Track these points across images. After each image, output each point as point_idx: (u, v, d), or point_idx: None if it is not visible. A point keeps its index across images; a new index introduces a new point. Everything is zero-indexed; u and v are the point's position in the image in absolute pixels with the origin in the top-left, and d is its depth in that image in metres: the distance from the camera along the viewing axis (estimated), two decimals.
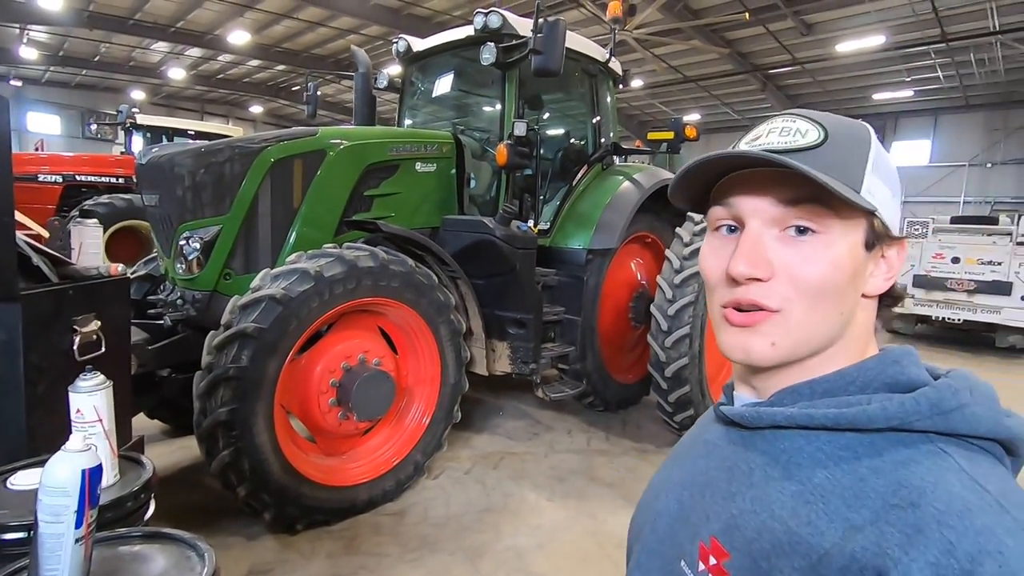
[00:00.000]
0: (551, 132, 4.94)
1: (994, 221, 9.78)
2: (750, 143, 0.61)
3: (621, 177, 4.33)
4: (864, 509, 0.49)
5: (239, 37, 14.98)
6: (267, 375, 2.52)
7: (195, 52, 17.06)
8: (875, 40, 12.29)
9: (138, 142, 9.79)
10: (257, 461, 2.52)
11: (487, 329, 3.62)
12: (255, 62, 17.84)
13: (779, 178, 0.56)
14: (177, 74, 18.80)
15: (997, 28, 11.18)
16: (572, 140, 4.75)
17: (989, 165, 16.44)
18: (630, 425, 4.57)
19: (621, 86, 4.82)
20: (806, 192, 0.55)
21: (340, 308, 2.76)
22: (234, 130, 12.74)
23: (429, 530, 2.90)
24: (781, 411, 0.58)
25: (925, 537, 0.44)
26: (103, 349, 1.34)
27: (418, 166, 3.68)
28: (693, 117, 19.40)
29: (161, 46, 16.67)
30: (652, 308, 3.91)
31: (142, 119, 10.04)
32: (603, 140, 4.52)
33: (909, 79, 15.04)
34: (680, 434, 4.13)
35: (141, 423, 3.52)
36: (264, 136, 3.19)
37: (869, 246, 0.58)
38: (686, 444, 0.77)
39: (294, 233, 3.16)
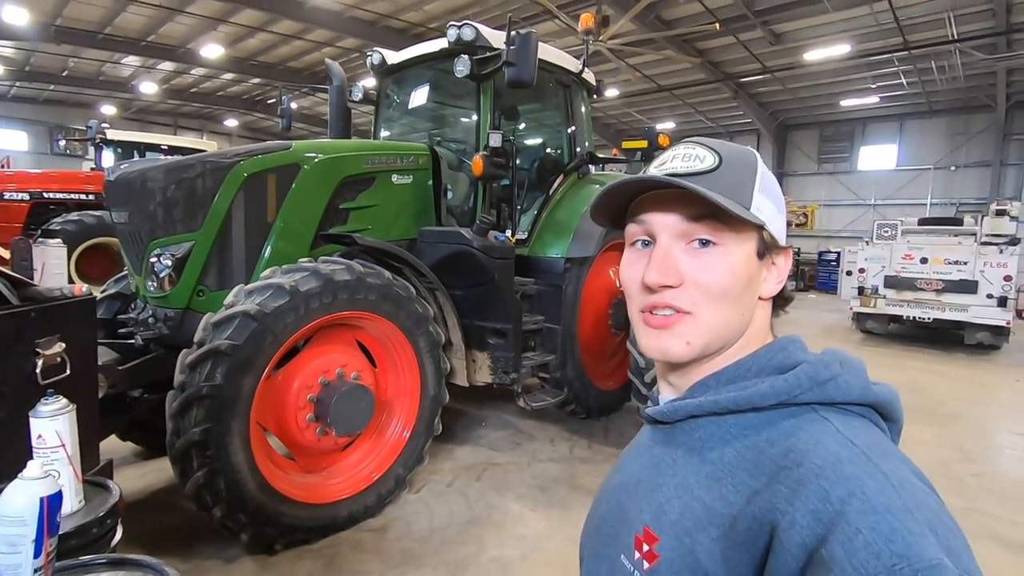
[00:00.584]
0: (527, 142, 4.98)
1: (959, 222, 10.09)
2: (658, 168, 0.69)
3: (597, 186, 4.38)
4: (762, 475, 0.56)
5: (212, 51, 14.83)
6: (242, 393, 2.48)
7: (167, 66, 16.83)
8: (841, 49, 12.66)
9: (109, 158, 9.61)
10: (233, 481, 2.47)
11: (466, 340, 3.61)
12: (229, 75, 17.67)
13: (683, 198, 0.65)
14: (149, 88, 18.52)
15: (955, 36, 11.60)
16: (548, 150, 4.80)
17: (953, 168, 16.95)
18: (612, 432, 4.58)
19: (595, 96, 4.88)
20: (706, 210, 0.64)
21: (317, 323, 2.73)
22: (209, 144, 12.59)
23: (412, 545, 2.87)
24: (692, 402, 0.66)
25: (806, 489, 0.51)
26: (68, 372, 1.31)
27: (394, 178, 3.67)
28: (668, 125, 19.70)
29: (132, 60, 16.42)
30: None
31: (112, 134, 9.87)
32: (578, 149, 4.56)
33: (875, 86, 15.49)
34: None
35: (113, 445, 3.44)
36: (237, 151, 3.16)
37: (760, 255, 0.67)
38: (625, 452, 0.84)
39: (269, 248, 3.12)
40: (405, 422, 3.22)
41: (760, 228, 0.66)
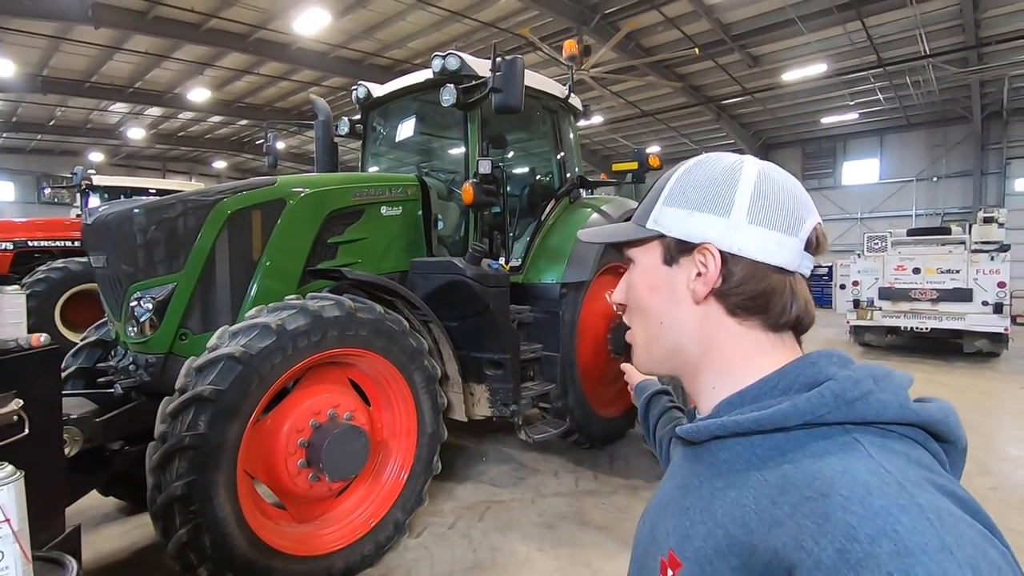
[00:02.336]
0: (517, 169, 4.95)
1: (947, 231, 10.16)
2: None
3: (589, 209, 4.33)
4: (785, 504, 0.51)
5: (199, 94, 14.96)
6: (227, 441, 2.33)
7: (154, 111, 16.96)
8: (818, 68, 12.95)
9: (95, 204, 9.53)
10: (219, 536, 2.30)
11: (463, 372, 3.48)
12: (217, 118, 17.81)
13: None
14: (137, 134, 18.61)
15: (927, 52, 11.90)
16: (538, 176, 4.76)
17: (935, 179, 17.23)
18: (618, 461, 4.43)
19: (582, 119, 4.88)
20: (619, 244, 0.76)
21: (306, 362, 2.61)
22: (197, 186, 12.57)
23: None
24: (715, 422, 0.63)
25: (832, 524, 0.46)
26: (26, 431, 1.19)
27: (383, 210, 3.60)
28: (654, 149, 19.97)
29: (119, 107, 16.54)
30: (629, 338, 3.84)
31: (98, 180, 9.81)
32: (568, 174, 4.53)
33: (853, 103, 15.83)
34: None
35: (96, 502, 3.26)
36: (219, 188, 3.08)
37: (669, 261, 0.69)
38: (665, 471, 0.82)
39: (255, 286, 3.01)
40: (402, 463, 3.06)
41: (661, 237, 0.70)
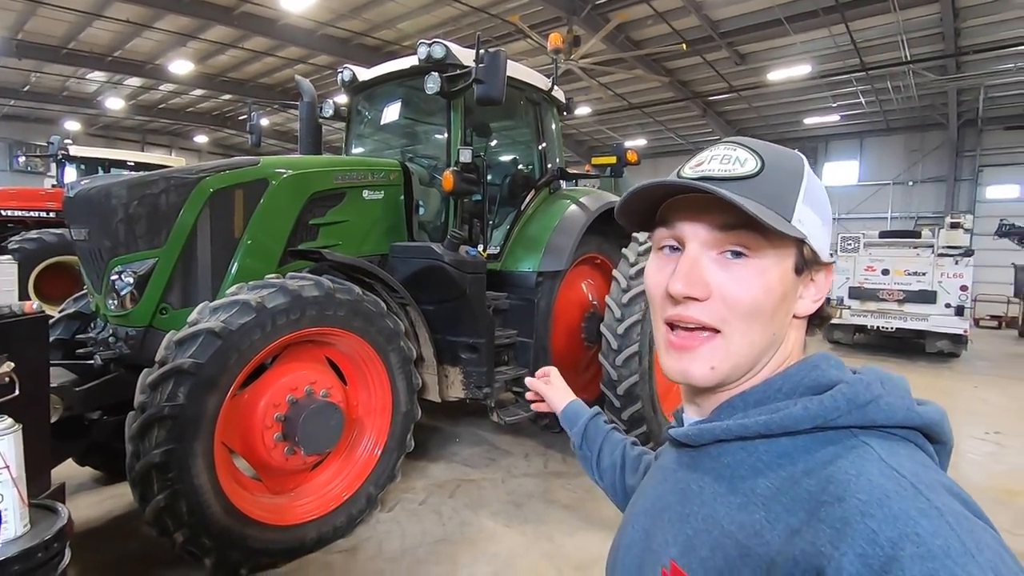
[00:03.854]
0: (498, 158, 5.02)
1: (917, 235, 10.48)
2: (693, 168, 0.64)
3: (568, 200, 4.44)
4: (800, 511, 0.51)
5: (181, 66, 14.65)
6: (206, 412, 2.41)
7: (134, 81, 16.56)
8: (803, 69, 13.14)
9: (71, 175, 9.36)
10: (196, 504, 2.39)
11: (439, 355, 3.59)
12: (199, 91, 17.45)
13: (717, 204, 0.58)
14: (115, 104, 18.16)
15: (908, 58, 12.15)
16: (519, 166, 4.84)
17: (911, 183, 17.65)
18: None
19: (566, 113, 4.96)
20: (740, 219, 0.58)
21: (284, 339, 2.69)
22: (177, 161, 12.37)
23: (383, 566, 2.81)
24: (719, 425, 0.61)
25: (852, 529, 0.46)
26: (17, 392, 1.26)
27: (365, 194, 3.67)
28: (639, 142, 20.10)
29: (97, 75, 16.12)
30: (602, 327, 3.98)
31: (75, 150, 9.63)
32: (549, 165, 4.62)
33: (835, 105, 16.10)
34: None
35: (71, 471, 3.31)
36: (203, 166, 3.12)
37: (799, 271, 0.62)
38: (648, 475, 0.79)
39: (236, 264, 3.07)
40: (376, 439, 3.17)
41: (800, 242, 0.61)
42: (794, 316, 0.63)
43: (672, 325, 0.63)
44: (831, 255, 0.64)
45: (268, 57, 14.51)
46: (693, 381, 0.62)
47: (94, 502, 3.30)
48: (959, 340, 8.80)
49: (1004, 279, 13.91)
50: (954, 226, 9.22)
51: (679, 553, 0.59)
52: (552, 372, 1.27)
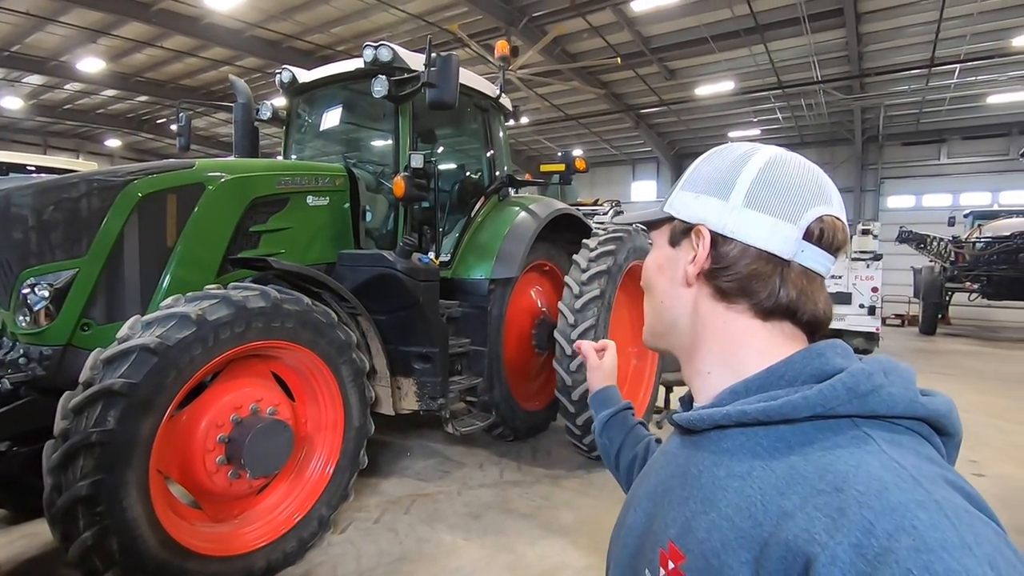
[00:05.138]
0: (447, 165, 4.96)
1: None
2: None
3: (518, 208, 4.44)
4: (794, 495, 0.51)
5: (91, 64, 13.61)
6: (140, 437, 2.19)
7: (35, 79, 15.20)
8: (726, 86, 13.95)
9: None
10: (129, 539, 2.16)
11: (391, 366, 3.46)
12: (111, 92, 16.25)
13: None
14: (12, 103, 16.60)
15: (819, 78, 13.16)
16: (468, 173, 4.80)
17: None
18: (540, 452, 4.57)
19: (513, 120, 4.98)
20: (644, 225, 0.80)
21: (227, 355, 2.50)
22: (87, 165, 11.40)
23: None
24: (719, 410, 0.62)
25: (848, 519, 0.46)
26: None
27: (310, 199, 3.50)
28: (576, 152, 20.54)
29: None
30: (555, 333, 3.99)
31: None
32: (498, 172, 4.61)
33: (756, 120, 17.18)
34: (589, 456, 4.22)
35: None
36: (130, 169, 2.86)
37: (673, 242, 0.72)
38: (652, 459, 0.80)
39: (168, 275, 2.84)
40: (328, 457, 3.01)
41: (670, 219, 0.73)
42: (688, 285, 0.69)
43: None
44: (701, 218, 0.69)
45: (190, 57, 13.74)
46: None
47: (1, 545, 2.93)
48: (872, 338, 9.53)
49: (905, 281, 15.24)
50: (865, 232, 10.00)
51: (677, 534, 0.60)
52: (609, 347, 1.25)
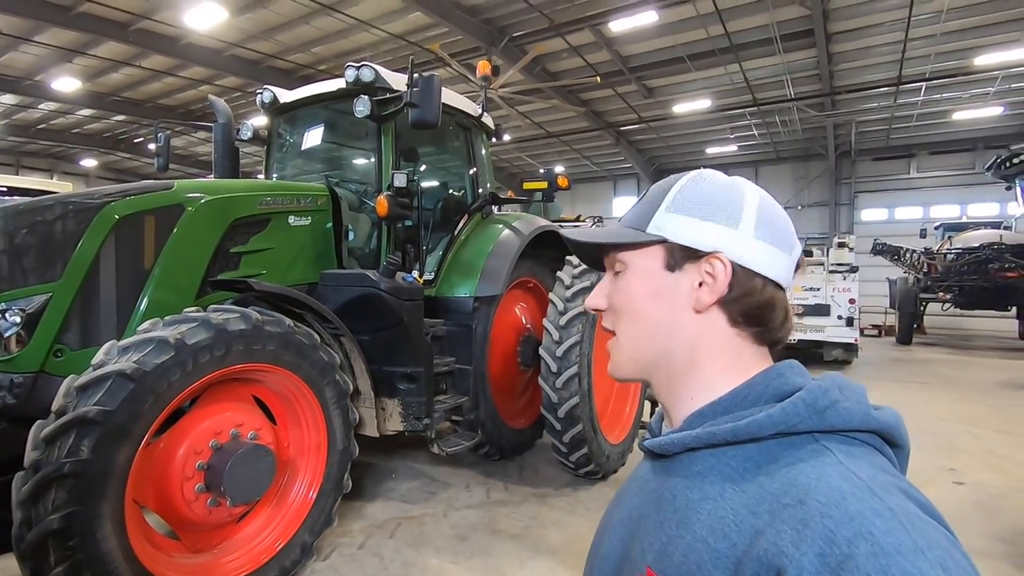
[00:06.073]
0: (430, 183, 4.97)
1: (809, 254, 11.52)
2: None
3: (501, 225, 4.45)
4: (764, 513, 0.53)
5: (66, 84, 13.44)
6: (115, 467, 2.12)
7: (8, 99, 14.95)
8: (703, 103, 14.26)
9: None
10: (103, 573, 2.08)
11: (375, 387, 3.42)
12: (87, 111, 16.05)
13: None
14: None
15: (793, 96, 13.52)
16: (451, 191, 4.81)
17: (799, 208, 19.46)
18: (527, 471, 4.53)
19: (495, 140, 5.01)
20: (611, 247, 0.74)
21: (207, 379, 2.45)
22: (62, 186, 11.21)
23: None
24: (689, 434, 0.64)
25: (811, 530, 0.48)
26: None
27: (291, 220, 3.48)
28: (558, 169, 20.75)
29: None
30: (541, 351, 3.99)
31: None
32: (481, 190, 4.63)
33: (733, 136, 17.56)
34: (577, 474, 4.20)
35: None
36: (107, 191, 2.82)
37: (672, 267, 0.69)
38: (624, 486, 0.80)
39: (146, 299, 2.79)
40: (311, 482, 2.94)
41: (663, 242, 0.69)
42: (696, 311, 0.67)
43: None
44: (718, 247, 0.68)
45: (168, 77, 13.65)
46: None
47: None
48: (851, 348, 9.69)
49: (880, 292, 15.58)
50: (841, 245, 10.22)
51: (654, 559, 0.61)
52: None
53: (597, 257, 0.78)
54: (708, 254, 0.67)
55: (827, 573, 0.46)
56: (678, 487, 0.63)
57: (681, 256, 0.68)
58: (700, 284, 0.67)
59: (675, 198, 0.70)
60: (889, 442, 0.60)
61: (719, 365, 0.68)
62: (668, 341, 0.68)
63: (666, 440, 0.66)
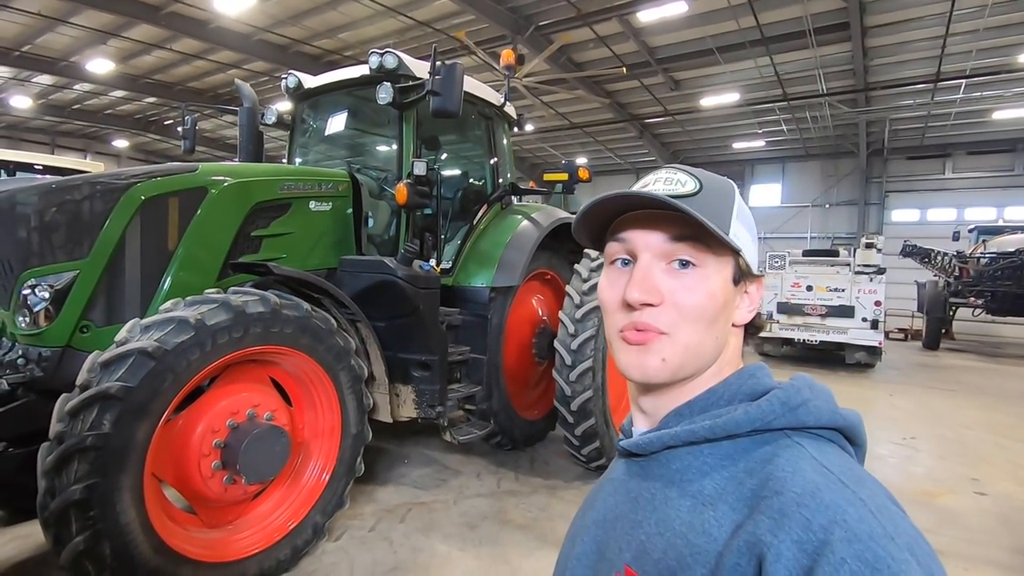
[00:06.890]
0: (450, 172, 4.97)
1: (836, 254, 11.27)
2: (640, 189, 0.69)
3: (520, 216, 4.43)
4: (744, 507, 0.56)
5: (100, 65, 13.71)
6: (135, 442, 2.19)
7: (45, 79, 15.32)
8: (731, 97, 13.96)
9: None
10: (121, 544, 2.15)
11: (390, 373, 3.45)
12: (119, 93, 16.36)
13: (666, 218, 0.65)
14: (22, 102, 16.73)
15: (825, 91, 13.17)
16: (471, 180, 4.81)
17: (827, 206, 19.04)
18: (538, 462, 4.55)
19: (516, 129, 4.98)
20: (688, 231, 0.64)
21: (225, 359, 2.49)
22: (94, 165, 11.45)
23: None
24: (668, 432, 0.65)
25: (789, 519, 0.51)
26: None
27: (312, 205, 3.51)
28: (580, 161, 20.59)
29: (1, 71, 14.79)
30: (556, 343, 3.98)
31: None
32: (501, 180, 4.61)
33: (761, 131, 17.18)
34: (588, 467, 4.20)
35: None
36: (133, 172, 2.87)
37: (736, 281, 0.68)
38: (597, 488, 0.80)
39: (169, 279, 2.84)
40: (324, 464, 2.99)
41: (737, 254, 0.67)
42: (733, 324, 0.69)
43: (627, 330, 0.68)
44: (760, 271, 0.71)
45: (199, 60, 13.83)
46: (649, 375, 0.65)
47: None
48: (875, 352, 9.47)
49: (908, 295, 15.18)
50: (868, 246, 9.97)
51: (632, 558, 0.62)
52: None
53: (601, 235, 0.72)
54: (757, 277, 0.70)
55: (804, 558, 0.48)
56: (656, 486, 0.65)
57: (740, 273, 0.68)
58: (748, 304, 0.70)
59: (738, 207, 0.68)
60: (851, 440, 0.63)
61: (723, 370, 0.70)
62: (718, 351, 0.68)
63: (645, 439, 0.67)
